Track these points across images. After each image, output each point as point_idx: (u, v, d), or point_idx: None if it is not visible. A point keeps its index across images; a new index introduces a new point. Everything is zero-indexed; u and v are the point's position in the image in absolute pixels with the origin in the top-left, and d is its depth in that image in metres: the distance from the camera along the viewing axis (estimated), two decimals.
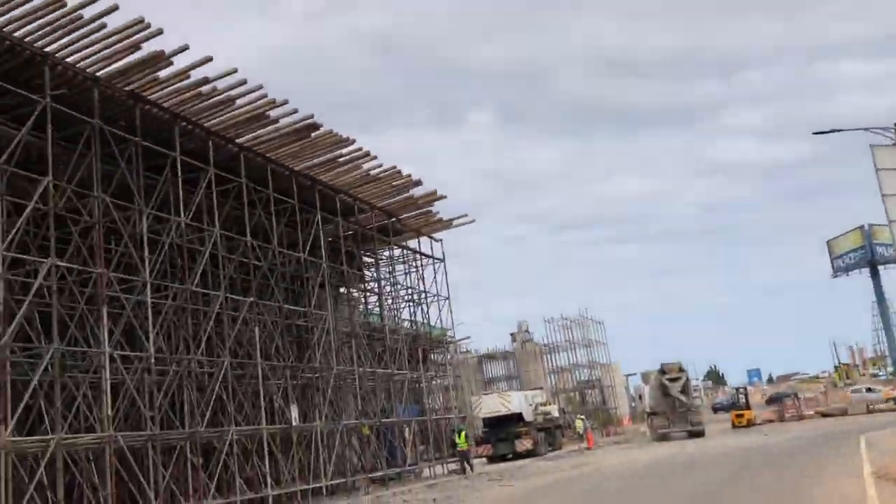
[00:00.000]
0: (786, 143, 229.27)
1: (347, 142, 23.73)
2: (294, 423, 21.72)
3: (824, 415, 50.67)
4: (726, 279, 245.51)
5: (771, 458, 25.38)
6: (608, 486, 21.08)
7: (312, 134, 22.71)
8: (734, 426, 47.79)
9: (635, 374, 77.46)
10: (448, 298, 34.15)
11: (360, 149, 24.58)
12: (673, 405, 43.11)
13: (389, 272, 33.54)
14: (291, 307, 24.82)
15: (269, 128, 21.92)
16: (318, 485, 23.03)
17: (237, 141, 22.11)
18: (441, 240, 34.65)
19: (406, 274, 33.41)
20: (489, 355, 62.22)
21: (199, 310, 20.71)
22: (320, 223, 25.57)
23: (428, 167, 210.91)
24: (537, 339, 60.87)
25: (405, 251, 33.68)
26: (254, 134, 22.05)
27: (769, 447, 29.72)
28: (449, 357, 46.13)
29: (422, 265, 33.50)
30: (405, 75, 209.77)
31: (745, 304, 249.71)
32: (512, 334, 63.07)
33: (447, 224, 33.16)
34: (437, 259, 34.10)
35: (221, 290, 21.27)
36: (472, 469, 29.99)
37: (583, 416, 46.84)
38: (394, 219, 30.94)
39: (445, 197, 30.45)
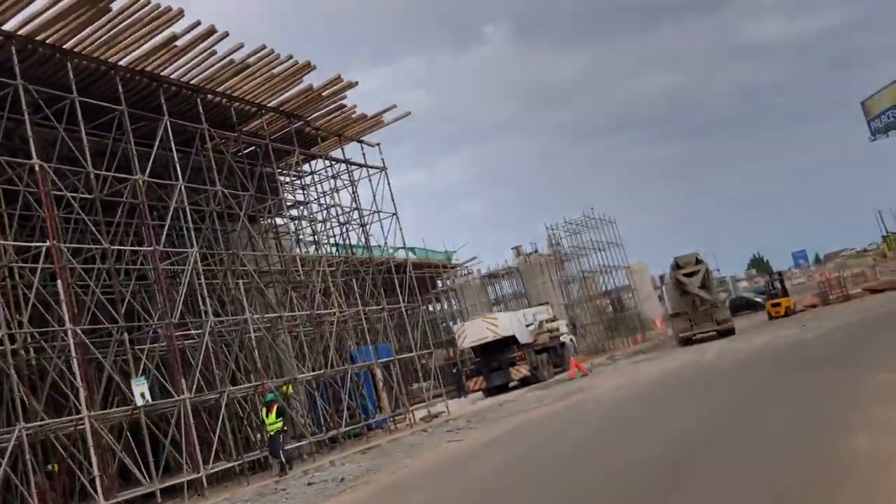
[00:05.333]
0: (815, 16, 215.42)
1: (171, 14, 17.19)
2: (141, 403, 16.02)
3: (873, 291, 44.02)
4: (764, 166, 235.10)
5: (802, 361, 19.26)
6: (568, 436, 15.18)
7: (112, 5, 16.27)
8: (771, 318, 41.51)
9: (664, 274, 70.83)
10: (395, 214, 27.92)
11: (197, 23, 18.03)
12: (693, 304, 36.78)
13: (316, 191, 27.30)
14: (139, 248, 18.88)
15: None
16: (222, 465, 17.94)
17: None
18: (378, 144, 28.26)
19: (333, 192, 27.21)
20: (493, 274, 56.18)
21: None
22: (170, 131, 19.32)
23: (447, 90, 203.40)
24: (543, 250, 54.58)
25: (333, 165, 27.39)
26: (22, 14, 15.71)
27: (804, 344, 23.53)
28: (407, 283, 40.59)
29: (352, 177, 27.26)
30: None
31: (785, 188, 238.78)
32: (515, 248, 56.87)
33: (375, 121, 26.66)
34: (374, 168, 27.80)
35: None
36: (288, 467, 18.33)
37: (560, 333, 38.86)
38: (300, 122, 24.55)
39: (357, 84, 23.85)
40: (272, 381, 21.28)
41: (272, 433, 18.39)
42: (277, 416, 18.31)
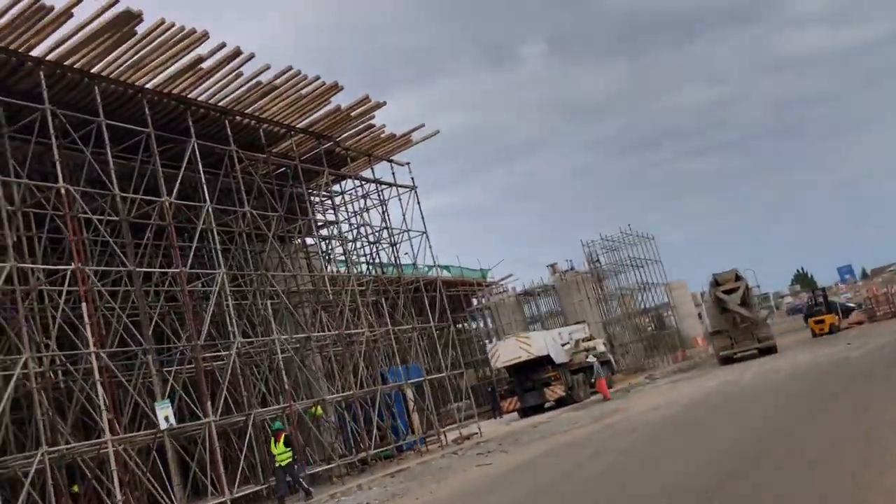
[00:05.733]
0: (858, 26, 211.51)
1: (196, 37, 17.24)
2: (165, 426, 15.91)
3: None
4: (805, 178, 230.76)
5: (845, 381, 18.49)
6: (600, 460, 14.69)
7: (138, 29, 16.39)
8: (814, 335, 40.35)
9: (704, 291, 69.40)
10: (425, 233, 27.71)
11: (222, 45, 18.08)
12: (734, 321, 35.85)
13: (346, 211, 27.25)
14: (164, 270, 18.93)
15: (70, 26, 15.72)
16: (249, 489, 17.77)
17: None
18: (408, 163, 28.15)
19: (362, 211, 27.08)
20: (528, 292, 55.61)
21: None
22: (198, 152, 19.36)
23: (483, 109, 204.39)
24: (579, 267, 53.93)
25: (363, 184, 27.29)
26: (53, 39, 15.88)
27: (849, 364, 22.66)
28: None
29: (382, 197, 27.14)
30: (448, 20, 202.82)
31: (828, 200, 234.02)
32: (551, 265, 56.25)
33: (404, 140, 26.54)
34: (403, 187, 27.64)
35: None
36: (307, 494, 17.44)
37: (597, 353, 37.76)
38: (330, 142, 24.52)
39: (384, 104, 23.78)
40: (301, 402, 21.12)
41: (281, 464, 17.39)
42: (286, 446, 17.46)
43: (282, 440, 17.52)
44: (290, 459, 17.46)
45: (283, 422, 18.80)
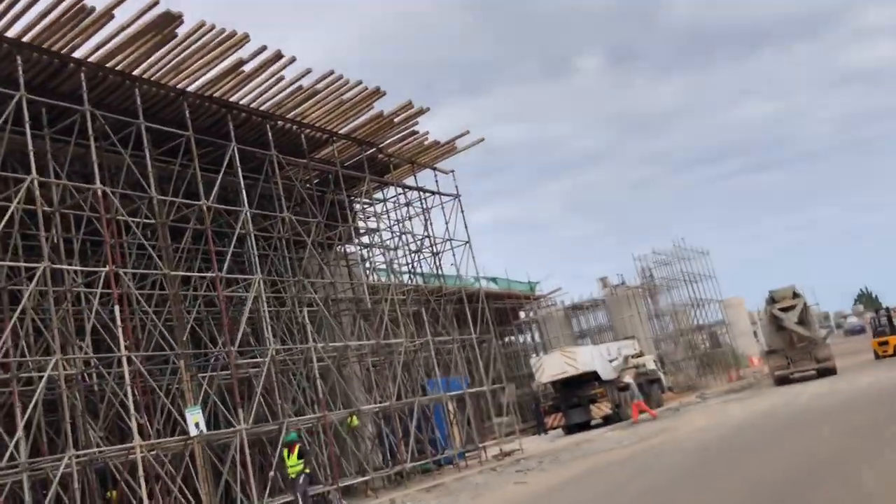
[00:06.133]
0: None
1: (237, 39, 17.10)
2: (195, 433, 15.66)
3: None
4: (871, 198, 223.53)
5: None
6: (638, 483, 13.96)
7: (179, 31, 16.29)
8: (877, 356, 38.58)
9: (760, 309, 67.24)
10: (468, 243, 27.19)
11: (263, 48, 17.90)
12: (790, 340, 34.45)
13: (388, 219, 26.91)
14: (199, 274, 18.76)
15: (112, 27, 15.71)
16: (279, 500, 17.44)
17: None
18: (452, 171, 27.70)
19: (405, 219, 26.67)
20: (577, 306, 54.55)
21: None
22: (238, 157, 19.20)
23: (539, 121, 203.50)
24: (630, 281, 52.72)
25: (406, 192, 26.92)
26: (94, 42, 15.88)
27: None
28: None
29: (425, 205, 26.73)
30: (506, 30, 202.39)
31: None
32: (601, 279, 55.09)
33: (448, 147, 26.11)
34: (447, 195, 27.20)
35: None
36: None
37: (647, 370, 36.98)
38: (372, 149, 24.22)
39: (428, 109, 23.39)
40: (337, 412, 20.76)
41: (292, 476, 16.94)
42: (299, 458, 16.92)
43: (296, 452, 17.01)
44: (301, 471, 16.93)
45: (298, 434, 18.31)
